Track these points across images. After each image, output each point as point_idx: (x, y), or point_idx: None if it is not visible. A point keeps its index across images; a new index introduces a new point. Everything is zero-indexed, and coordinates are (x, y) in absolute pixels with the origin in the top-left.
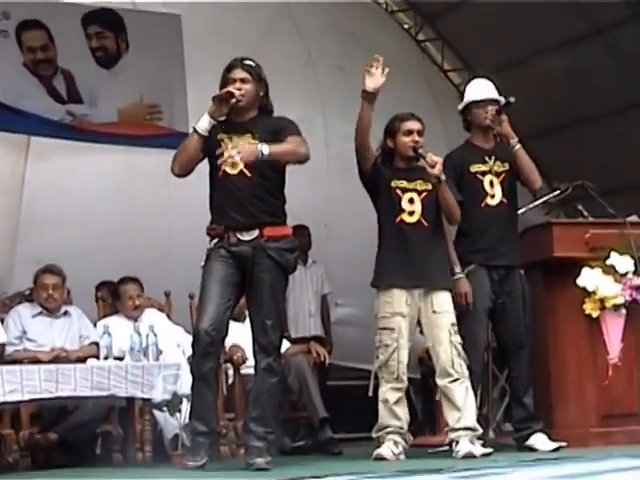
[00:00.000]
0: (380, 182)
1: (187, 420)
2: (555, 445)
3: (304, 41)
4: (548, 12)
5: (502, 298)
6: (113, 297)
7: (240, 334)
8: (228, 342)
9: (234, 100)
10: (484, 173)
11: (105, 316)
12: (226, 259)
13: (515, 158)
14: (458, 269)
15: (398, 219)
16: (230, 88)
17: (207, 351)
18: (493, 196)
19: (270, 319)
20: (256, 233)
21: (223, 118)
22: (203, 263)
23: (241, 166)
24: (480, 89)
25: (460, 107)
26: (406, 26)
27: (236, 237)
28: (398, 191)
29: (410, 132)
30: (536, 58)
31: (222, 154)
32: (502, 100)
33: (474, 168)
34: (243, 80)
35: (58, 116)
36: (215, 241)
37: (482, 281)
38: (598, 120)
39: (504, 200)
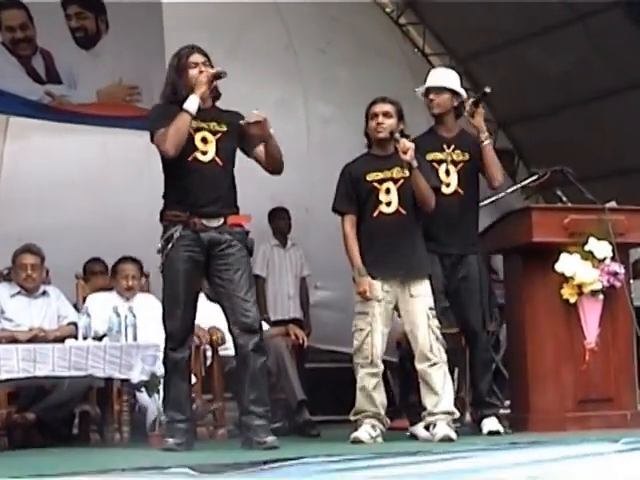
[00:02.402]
0: (358, 185)
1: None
2: (497, 429)
3: (285, 25)
4: None
5: (454, 284)
6: (112, 274)
7: (215, 314)
8: (206, 323)
9: (219, 78)
10: (440, 162)
11: (100, 289)
12: (192, 247)
13: (482, 153)
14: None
15: (376, 212)
16: (210, 69)
17: (180, 344)
18: (448, 185)
19: (250, 299)
20: (222, 221)
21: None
22: (163, 248)
23: (213, 154)
24: (432, 77)
25: (418, 94)
26: (388, 10)
27: (202, 224)
28: (375, 184)
29: (375, 115)
30: (517, 44)
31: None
32: (461, 91)
33: (430, 156)
34: (204, 64)
35: (37, 96)
36: (180, 228)
37: (434, 267)
38: (577, 106)
39: (459, 190)
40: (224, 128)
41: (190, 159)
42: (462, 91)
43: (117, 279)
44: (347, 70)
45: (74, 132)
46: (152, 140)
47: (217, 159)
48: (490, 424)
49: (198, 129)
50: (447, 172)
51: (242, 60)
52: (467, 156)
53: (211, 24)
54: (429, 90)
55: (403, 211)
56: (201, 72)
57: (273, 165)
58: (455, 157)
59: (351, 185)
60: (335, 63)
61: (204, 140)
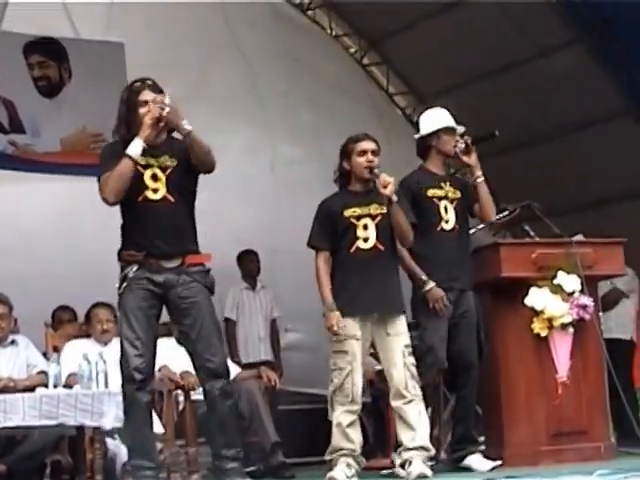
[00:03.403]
0: (335, 220)
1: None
2: (492, 465)
3: (249, 66)
4: (490, 35)
5: (455, 319)
6: (85, 320)
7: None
8: (178, 368)
9: (162, 122)
10: (440, 198)
11: (71, 337)
12: (147, 288)
13: (475, 189)
14: (424, 277)
15: (353, 248)
16: (156, 110)
17: (140, 388)
18: (447, 221)
19: (213, 343)
20: (179, 261)
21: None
22: (119, 287)
23: (164, 191)
24: (448, 117)
25: (430, 130)
26: (351, 50)
27: (159, 265)
28: (353, 220)
29: (364, 152)
30: (480, 81)
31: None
32: (462, 129)
33: (431, 192)
34: (154, 101)
35: (0, 146)
36: (134, 268)
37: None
38: (541, 142)
39: (457, 226)
40: (175, 162)
41: (140, 199)
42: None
43: (92, 324)
44: (312, 111)
45: (40, 180)
46: (99, 181)
47: (168, 196)
48: (479, 461)
49: (147, 166)
50: (445, 209)
51: (206, 103)
52: (459, 194)
53: (173, 69)
54: (452, 130)
55: (381, 247)
56: (148, 112)
57: (196, 160)
58: (451, 194)
59: (328, 221)
60: (299, 104)
61: (154, 177)
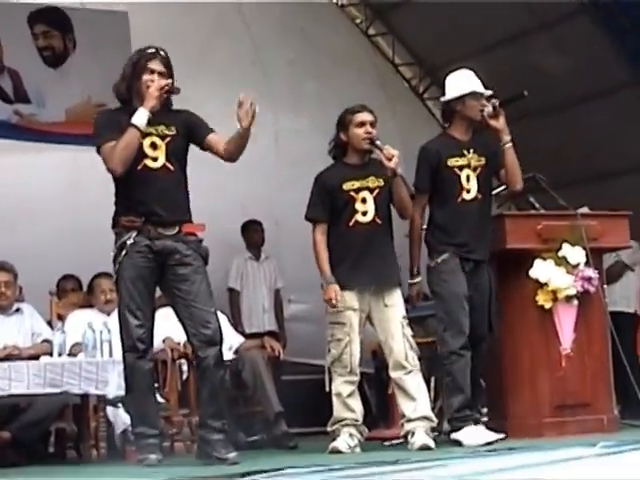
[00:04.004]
0: (334, 194)
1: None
2: (497, 436)
3: (252, 38)
4: (496, 7)
5: (470, 291)
6: (88, 291)
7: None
8: (181, 337)
9: (171, 94)
10: (462, 167)
11: (74, 306)
12: (146, 254)
13: (503, 155)
14: (415, 271)
15: (352, 221)
16: (162, 82)
17: (141, 357)
18: (469, 191)
19: (210, 310)
20: (176, 229)
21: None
22: (116, 256)
23: (163, 160)
24: (474, 81)
25: (456, 95)
26: (357, 21)
27: (157, 231)
28: (352, 193)
29: (362, 124)
30: (485, 53)
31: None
32: (489, 92)
33: (452, 162)
34: (162, 74)
35: (5, 116)
36: (133, 234)
37: (457, 269)
38: (548, 113)
39: (479, 195)
40: (173, 131)
41: (140, 167)
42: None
43: (95, 294)
44: (316, 82)
45: (44, 150)
46: (98, 151)
47: (168, 164)
48: (471, 436)
49: (146, 134)
50: (467, 178)
51: (209, 76)
52: (483, 160)
53: (177, 40)
54: (479, 95)
55: (379, 220)
56: (152, 82)
57: (233, 153)
58: (474, 162)
59: (326, 194)
60: (304, 75)
61: (153, 145)
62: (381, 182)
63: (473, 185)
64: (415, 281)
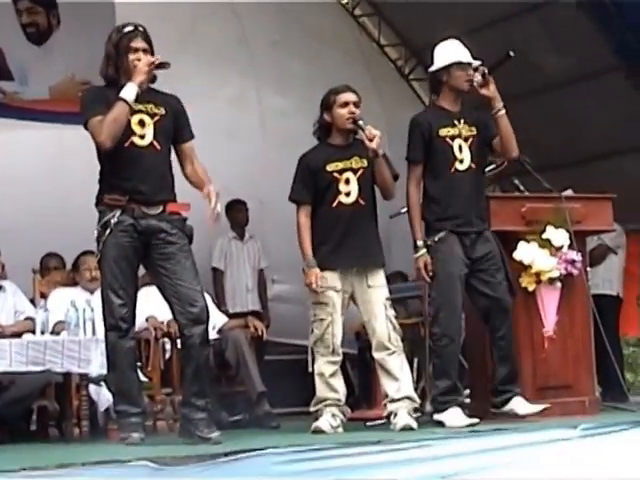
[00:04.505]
0: (317, 175)
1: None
2: (539, 407)
3: (238, 17)
4: None
5: (478, 262)
6: (73, 268)
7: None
8: (164, 316)
9: (161, 68)
10: (453, 137)
11: (58, 284)
12: (130, 233)
13: (496, 123)
14: (420, 243)
15: (335, 202)
16: (150, 58)
17: (124, 336)
18: (462, 161)
19: (196, 288)
20: (161, 208)
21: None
22: (100, 234)
23: (150, 138)
24: (460, 51)
25: (440, 65)
26: (343, 1)
27: (141, 210)
28: (335, 174)
29: (346, 104)
30: (471, 35)
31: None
32: (477, 63)
33: (443, 132)
34: (145, 51)
35: None
36: (117, 213)
37: (454, 248)
38: (532, 96)
39: (472, 165)
40: (162, 111)
41: (127, 144)
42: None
43: (80, 272)
44: (301, 63)
45: (28, 127)
46: (85, 126)
47: (155, 143)
48: (522, 405)
49: (135, 111)
50: (460, 148)
51: (194, 54)
52: (474, 130)
53: (163, 17)
54: (465, 64)
55: (362, 201)
56: (138, 60)
57: (191, 181)
58: (465, 132)
59: (309, 176)
60: (289, 56)
61: (141, 123)
62: (365, 163)
63: (466, 155)
64: (419, 254)
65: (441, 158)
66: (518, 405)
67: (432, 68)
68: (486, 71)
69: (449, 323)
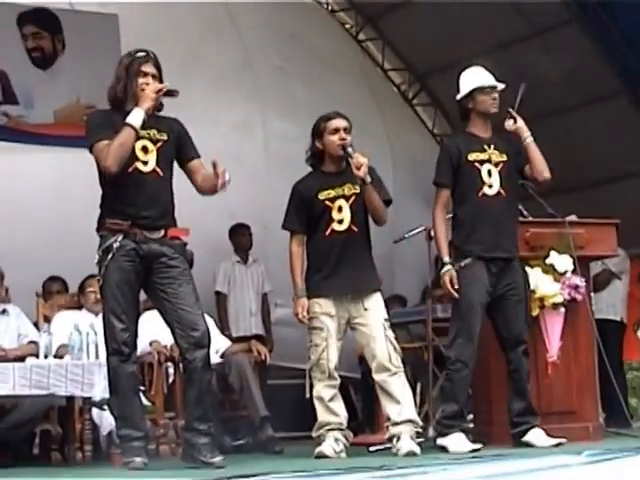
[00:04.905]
0: (310, 204)
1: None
2: (555, 441)
3: (242, 41)
4: (487, 13)
5: (501, 291)
6: (79, 290)
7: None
8: (167, 340)
9: (169, 96)
10: (482, 162)
11: (61, 307)
12: (133, 257)
13: (526, 150)
14: (446, 259)
15: (328, 230)
16: (158, 84)
17: (126, 360)
18: (491, 186)
19: (198, 312)
20: (162, 233)
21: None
22: (101, 259)
23: (153, 164)
24: (483, 76)
25: (464, 93)
26: (347, 26)
27: (143, 235)
28: (327, 202)
29: (336, 130)
30: (475, 59)
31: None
32: (501, 86)
33: (472, 156)
34: (154, 77)
35: None
36: (119, 238)
37: (479, 274)
38: (536, 121)
39: (502, 191)
40: (164, 137)
41: (130, 170)
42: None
43: (85, 294)
44: (305, 87)
45: (32, 151)
46: (90, 150)
47: (157, 169)
48: (541, 437)
49: (139, 137)
50: (489, 173)
51: (199, 78)
52: (505, 157)
53: (167, 43)
54: (488, 88)
55: (355, 228)
56: (147, 85)
57: (205, 192)
58: (495, 157)
59: (302, 204)
60: (293, 80)
61: (144, 149)
62: (357, 189)
63: (495, 180)
64: (445, 269)
65: (469, 182)
66: (535, 437)
67: (458, 97)
68: (513, 113)
69: (464, 349)
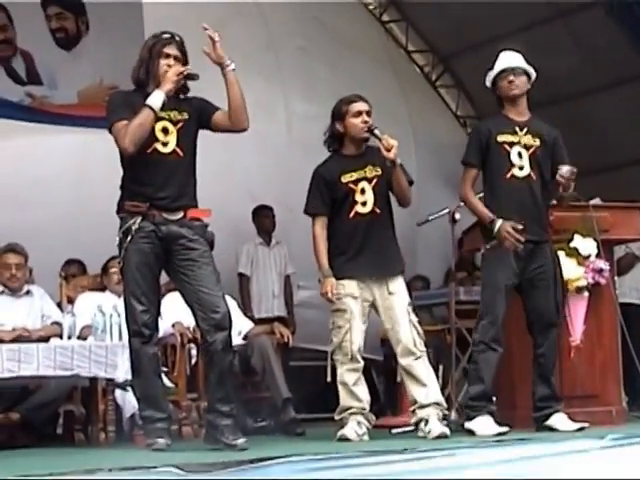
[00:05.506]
0: (334, 187)
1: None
2: (577, 425)
3: (266, 23)
4: None
5: (529, 275)
6: (103, 271)
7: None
8: (189, 322)
9: (190, 79)
10: (512, 144)
11: (90, 290)
12: (152, 240)
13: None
14: (491, 215)
15: (352, 213)
16: (180, 67)
17: (147, 342)
18: (522, 168)
19: (218, 294)
20: (181, 214)
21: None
22: (121, 241)
23: (174, 145)
24: (501, 60)
25: (488, 82)
26: (371, 7)
27: (162, 216)
28: (351, 185)
29: (359, 113)
30: (499, 42)
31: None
32: (530, 69)
33: (502, 138)
34: (177, 58)
35: (17, 97)
36: (138, 220)
37: (505, 257)
38: (560, 103)
39: (532, 174)
40: (185, 116)
41: (150, 151)
42: (534, 74)
43: (109, 274)
44: (328, 68)
45: (55, 132)
46: (110, 130)
47: (178, 150)
48: (564, 421)
49: (159, 119)
50: (519, 155)
51: None
52: (538, 142)
53: (191, 23)
54: (505, 71)
55: (378, 210)
56: (169, 66)
57: (237, 117)
58: (527, 141)
59: (324, 188)
60: (316, 61)
61: (165, 130)
62: (379, 171)
63: (525, 163)
64: (499, 224)
65: (497, 163)
66: (558, 421)
67: (487, 85)
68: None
69: (487, 331)
